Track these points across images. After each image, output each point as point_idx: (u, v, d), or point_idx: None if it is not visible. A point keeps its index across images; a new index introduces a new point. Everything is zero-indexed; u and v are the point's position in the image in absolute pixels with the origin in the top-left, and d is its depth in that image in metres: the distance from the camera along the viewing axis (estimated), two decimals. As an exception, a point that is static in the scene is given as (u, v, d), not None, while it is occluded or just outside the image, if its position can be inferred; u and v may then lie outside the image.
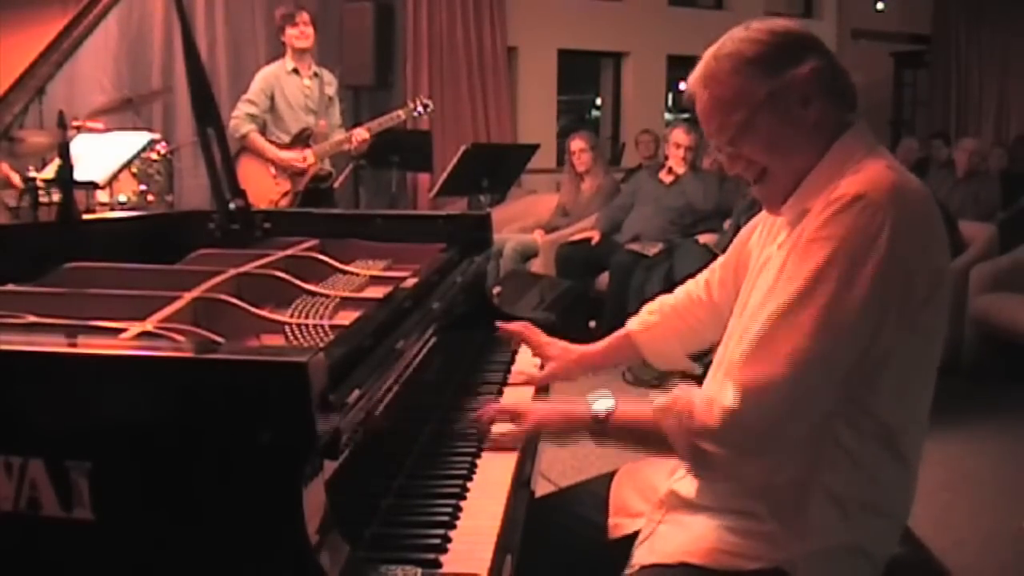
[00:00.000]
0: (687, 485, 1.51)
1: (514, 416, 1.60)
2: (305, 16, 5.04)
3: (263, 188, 4.95)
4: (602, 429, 1.48)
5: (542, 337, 2.01)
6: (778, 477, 1.39)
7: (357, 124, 5.33)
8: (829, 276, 1.29)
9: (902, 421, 1.42)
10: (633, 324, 1.92)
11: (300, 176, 5.06)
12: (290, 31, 5.06)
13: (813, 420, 1.35)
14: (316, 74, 5.20)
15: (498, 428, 1.63)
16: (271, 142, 5.09)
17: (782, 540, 1.39)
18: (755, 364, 1.31)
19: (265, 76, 5.17)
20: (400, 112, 5.27)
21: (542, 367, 2.00)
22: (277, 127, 5.12)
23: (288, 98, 5.11)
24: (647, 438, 1.43)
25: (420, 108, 5.30)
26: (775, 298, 1.34)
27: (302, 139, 5.08)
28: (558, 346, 1.99)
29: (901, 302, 1.32)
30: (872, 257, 1.28)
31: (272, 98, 5.10)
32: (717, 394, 1.33)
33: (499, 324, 2.09)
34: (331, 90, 5.27)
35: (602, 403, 1.49)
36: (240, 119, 5.03)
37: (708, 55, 1.45)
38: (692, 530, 1.47)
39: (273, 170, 5.04)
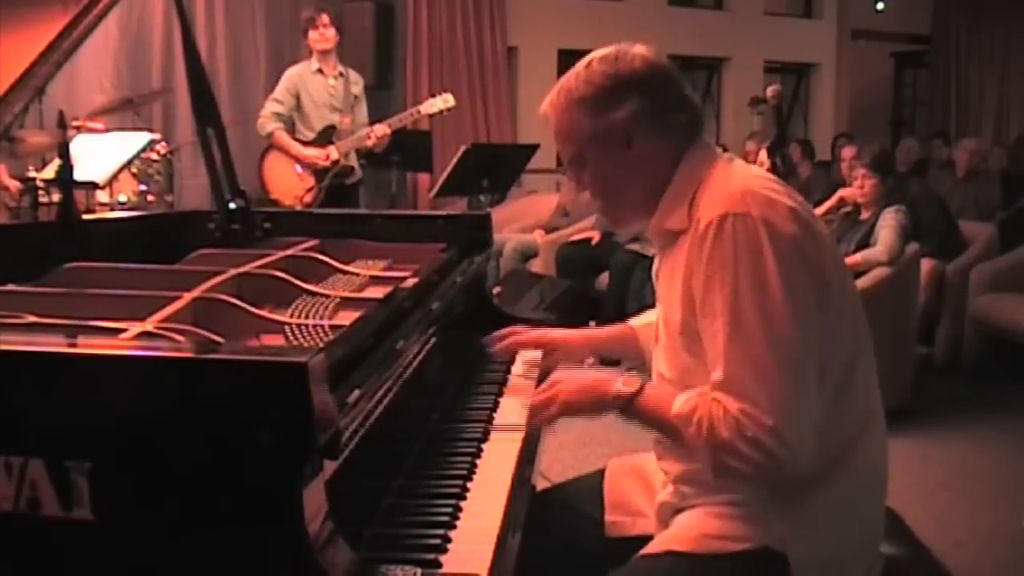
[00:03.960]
0: (672, 494, 1.55)
1: (546, 402, 1.60)
2: (325, 18, 5.16)
3: (289, 184, 5.11)
4: (628, 408, 1.49)
5: (534, 332, 1.97)
6: None
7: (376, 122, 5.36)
8: (744, 296, 1.34)
9: (847, 367, 1.44)
10: (635, 321, 1.94)
11: (323, 172, 5.15)
12: (312, 34, 5.21)
13: (816, 419, 1.35)
14: (342, 74, 5.29)
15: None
16: (296, 139, 5.20)
17: (765, 519, 1.41)
18: (755, 400, 1.31)
19: (291, 76, 5.30)
20: (419, 108, 5.30)
21: (545, 355, 1.97)
22: (303, 124, 5.25)
23: (313, 97, 5.23)
24: (666, 431, 1.46)
25: (440, 104, 5.25)
26: (712, 336, 1.37)
27: (325, 136, 5.17)
28: (559, 332, 1.97)
29: (814, 278, 1.37)
30: (767, 256, 1.34)
31: (298, 97, 5.22)
32: (744, 418, 1.32)
33: (491, 343, 1.98)
34: (357, 89, 5.36)
35: (629, 382, 1.50)
36: (266, 118, 5.19)
37: (557, 85, 1.55)
38: (678, 521, 1.50)
39: (298, 167, 5.16)
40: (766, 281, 1.33)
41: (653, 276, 1.62)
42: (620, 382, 1.50)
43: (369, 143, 5.19)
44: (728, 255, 1.35)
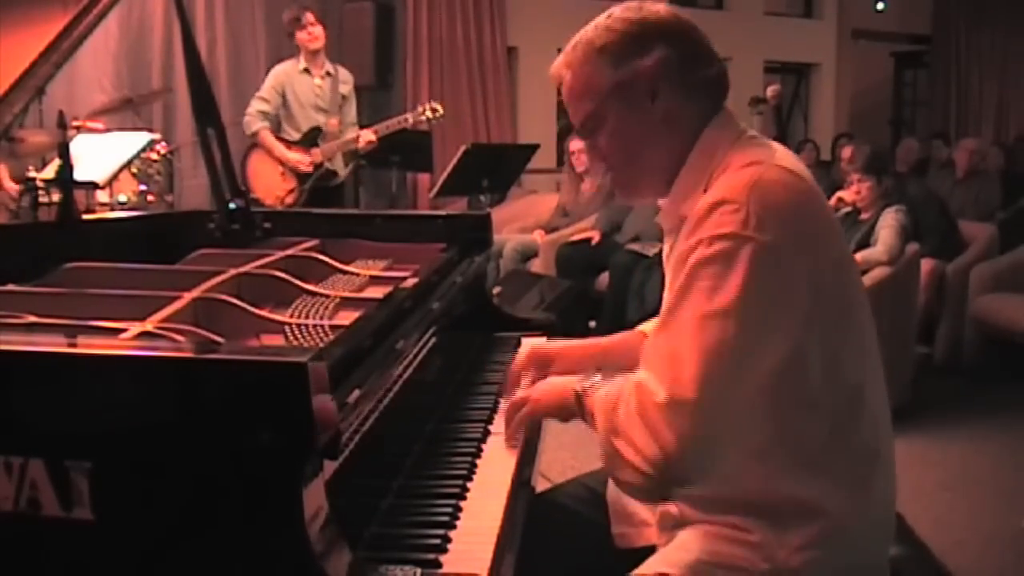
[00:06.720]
0: (674, 505, 1.47)
1: (521, 404, 1.57)
2: (310, 16, 5.12)
3: (271, 184, 5.08)
4: (582, 407, 1.43)
5: (526, 351, 1.83)
6: (756, 490, 1.35)
7: (363, 126, 5.34)
8: (700, 282, 1.26)
9: (851, 401, 1.38)
10: (647, 326, 1.83)
11: (306, 174, 5.12)
12: (300, 35, 5.16)
13: (732, 425, 1.28)
14: (330, 73, 5.24)
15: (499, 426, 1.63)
16: (282, 139, 5.16)
17: (768, 549, 1.35)
18: (664, 377, 1.25)
19: (277, 74, 5.26)
20: (408, 116, 5.27)
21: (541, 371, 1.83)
22: (289, 124, 5.21)
23: (299, 96, 5.20)
24: (598, 429, 1.37)
25: (428, 113, 5.26)
26: (663, 313, 1.31)
27: (310, 137, 5.14)
28: (555, 344, 1.86)
29: (788, 293, 1.27)
30: (743, 250, 1.24)
31: (284, 96, 5.18)
32: (638, 389, 1.27)
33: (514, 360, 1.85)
34: (346, 89, 5.32)
35: (588, 382, 1.44)
36: (252, 116, 5.15)
37: (572, 42, 1.43)
38: (676, 540, 1.43)
39: (281, 167, 5.13)
40: (728, 274, 1.24)
41: (664, 261, 1.52)
42: (578, 380, 1.45)
43: (355, 147, 5.18)
44: (704, 241, 1.26)
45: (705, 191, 1.35)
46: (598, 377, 1.45)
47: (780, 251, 1.26)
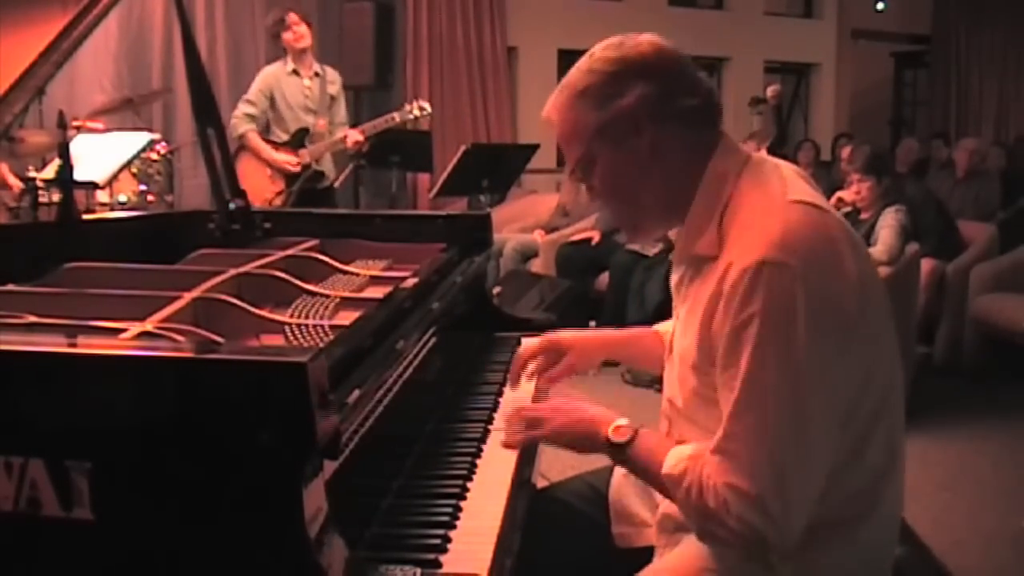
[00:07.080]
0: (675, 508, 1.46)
1: (533, 422, 1.56)
2: (294, 17, 5.07)
3: (259, 186, 5.02)
4: (619, 455, 1.44)
5: (543, 336, 1.84)
6: None
7: (355, 125, 5.34)
8: (768, 362, 1.24)
9: (873, 417, 1.37)
10: (661, 326, 1.82)
11: (294, 176, 5.10)
12: (285, 35, 5.11)
13: (820, 484, 1.29)
14: (318, 73, 5.21)
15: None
16: (271, 141, 5.12)
17: (772, 562, 1.33)
18: (748, 468, 1.25)
19: (264, 76, 5.22)
20: (395, 115, 5.26)
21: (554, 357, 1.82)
22: (277, 126, 5.18)
23: (287, 98, 5.16)
24: (654, 483, 1.40)
25: (416, 111, 5.26)
26: (727, 390, 1.28)
27: (298, 139, 5.12)
28: (571, 333, 1.84)
29: (842, 330, 1.27)
30: (799, 321, 1.23)
31: (272, 98, 5.15)
32: (728, 491, 1.25)
33: (523, 345, 1.85)
34: (334, 89, 5.28)
35: (621, 431, 1.43)
36: (239, 119, 5.10)
37: (560, 85, 1.46)
38: (680, 549, 1.43)
39: (269, 169, 5.10)
40: (793, 349, 1.23)
41: (672, 287, 1.52)
42: (612, 429, 1.43)
43: (343, 147, 5.17)
44: (758, 313, 1.24)
45: (719, 226, 1.35)
46: (624, 420, 1.45)
47: (832, 299, 1.26)
